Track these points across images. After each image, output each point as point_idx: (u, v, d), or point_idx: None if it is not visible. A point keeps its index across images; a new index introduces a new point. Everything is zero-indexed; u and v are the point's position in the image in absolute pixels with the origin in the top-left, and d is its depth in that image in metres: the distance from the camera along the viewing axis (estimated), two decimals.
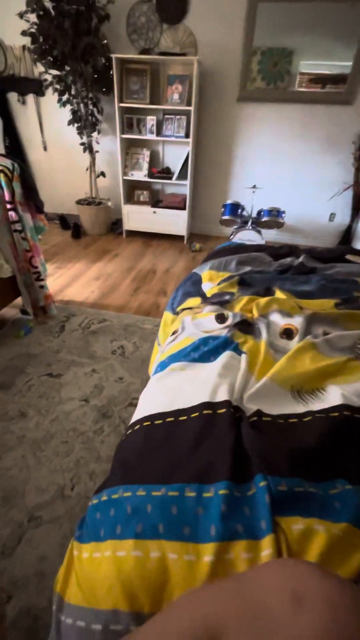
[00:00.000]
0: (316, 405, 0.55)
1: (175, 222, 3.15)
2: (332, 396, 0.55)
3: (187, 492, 0.43)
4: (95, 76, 2.74)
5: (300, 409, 0.55)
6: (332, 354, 0.65)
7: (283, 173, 3.05)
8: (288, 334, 0.72)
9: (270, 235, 3.26)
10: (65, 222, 3.44)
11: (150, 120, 2.86)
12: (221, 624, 0.26)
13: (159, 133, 2.92)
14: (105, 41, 2.75)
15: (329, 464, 0.46)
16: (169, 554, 0.39)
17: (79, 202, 3.25)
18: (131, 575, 0.38)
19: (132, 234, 3.37)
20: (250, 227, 2.74)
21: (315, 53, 2.61)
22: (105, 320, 1.97)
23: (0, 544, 0.95)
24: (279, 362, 0.62)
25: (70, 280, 2.45)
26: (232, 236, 2.72)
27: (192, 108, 2.66)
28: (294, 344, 0.68)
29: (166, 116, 2.86)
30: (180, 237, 3.27)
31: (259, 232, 2.74)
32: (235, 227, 2.82)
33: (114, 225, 3.44)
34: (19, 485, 1.10)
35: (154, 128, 2.87)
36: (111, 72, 2.70)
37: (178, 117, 2.83)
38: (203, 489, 0.44)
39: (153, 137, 2.89)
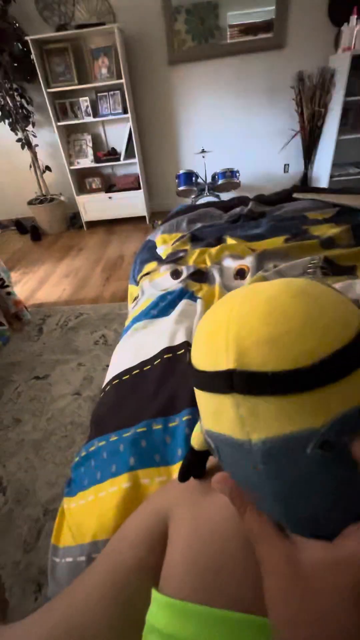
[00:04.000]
0: None
1: (133, 204, 3.09)
2: None
3: (154, 425, 0.47)
4: (15, 64, 2.58)
5: None
6: None
7: (230, 131, 3.01)
8: (241, 274, 0.74)
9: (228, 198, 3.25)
10: (21, 226, 3.32)
11: (84, 102, 2.73)
12: (167, 507, 0.30)
13: (95, 114, 2.80)
14: (17, 24, 2.57)
15: None
16: (142, 480, 0.42)
17: (30, 203, 3.13)
18: (107, 508, 0.41)
19: (93, 224, 3.29)
20: (208, 194, 2.72)
21: (239, 2, 2.51)
22: (81, 315, 1.95)
23: (21, 542, 0.97)
24: None
25: (39, 283, 2.40)
26: None
27: (123, 80, 2.55)
28: (247, 282, 0.70)
29: (99, 94, 2.74)
30: (142, 218, 3.21)
31: (217, 197, 2.72)
32: (193, 196, 2.79)
33: (73, 220, 3.35)
34: (28, 485, 1.11)
35: (89, 109, 2.75)
36: (31, 57, 2.54)
37: (112, 93, 2.71)
38: (169, 420, 0.47)
39: (90, 119, 2.77)
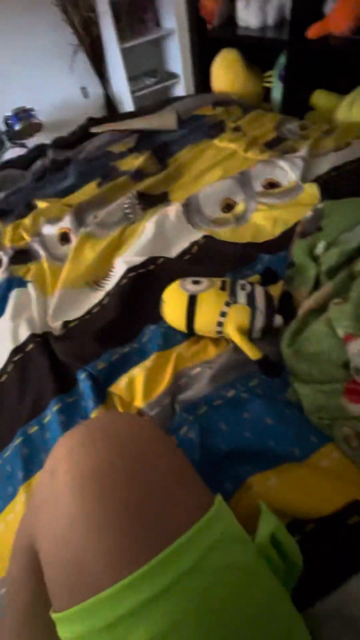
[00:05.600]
0: (109, 284, 0.62)
1: None
2: (119, 269, 0.62)
3: (29, 430, 0.49)
4: None
5: (100, 296, 0.61)
6: (109, 232, 0.69)
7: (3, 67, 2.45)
8: (66, 238, 0.72)
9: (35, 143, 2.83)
10: None
11: None
12: (31, 534, 0.34)
13: None
14: None
15: (134, 322, 0.55)
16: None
17: None
18: (7, 540, 0.42)
19: None
20: (10, 145, 2.32)
21: None
22: None
23: None
24: (64, 268, 0.63)
25: None
26: None
27: None
28: (74, 244, 0.69)
29: None
30: None
31: (23, 145, 2.36)
32: None
33: None
34: None
35: None
36: None
37: None
38: (41, 418, 0.49)
39: None
